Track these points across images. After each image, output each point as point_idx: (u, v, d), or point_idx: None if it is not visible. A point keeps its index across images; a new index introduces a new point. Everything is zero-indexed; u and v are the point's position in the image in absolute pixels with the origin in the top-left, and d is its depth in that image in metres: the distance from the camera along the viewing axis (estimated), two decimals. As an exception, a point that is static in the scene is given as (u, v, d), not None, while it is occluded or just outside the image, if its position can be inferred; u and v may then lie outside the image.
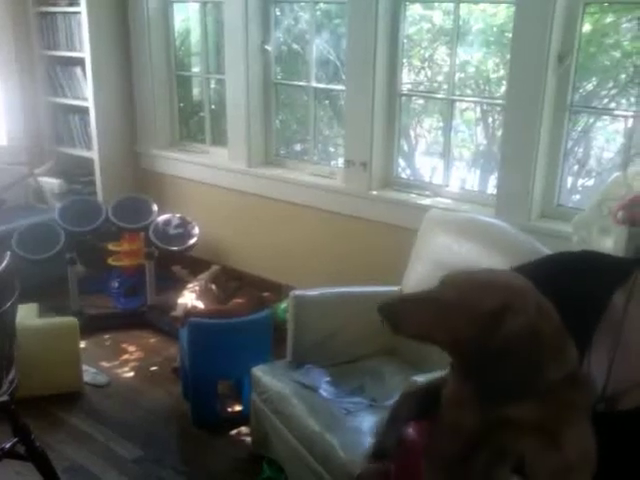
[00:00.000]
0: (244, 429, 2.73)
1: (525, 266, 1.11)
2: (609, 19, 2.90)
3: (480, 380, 0.91)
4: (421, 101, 3.78)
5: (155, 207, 3.71)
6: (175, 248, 3.64)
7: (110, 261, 3.77)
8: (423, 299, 0.95)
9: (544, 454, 0.89)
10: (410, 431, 1.38)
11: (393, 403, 1.14)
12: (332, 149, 4.00)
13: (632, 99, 2.78)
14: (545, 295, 0.94)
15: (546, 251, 2.20)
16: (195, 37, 4.15)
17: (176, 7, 4.05)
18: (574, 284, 1.04)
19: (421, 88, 3.73)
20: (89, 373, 3.12)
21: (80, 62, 4.00)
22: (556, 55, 2.57)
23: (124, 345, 3.48)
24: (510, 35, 2.69)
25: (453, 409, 0.98)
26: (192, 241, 3.67)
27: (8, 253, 2.00)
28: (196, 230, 3.71)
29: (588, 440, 0.91)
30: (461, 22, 3.06)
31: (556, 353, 0.91)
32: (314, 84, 3.52)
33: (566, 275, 1.07)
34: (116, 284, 3.85)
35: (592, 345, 1.02)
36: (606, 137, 3.41)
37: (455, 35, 2.97)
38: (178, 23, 4.14)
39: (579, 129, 3.28)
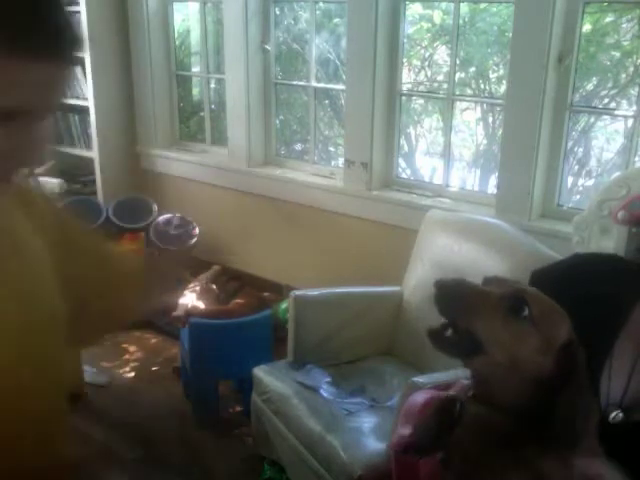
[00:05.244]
0: (245, 429, 2.73)
1: (547, 269, 1.09)
2: (609, 19, 2.91)
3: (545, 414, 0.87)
4: (421, 101, 3.78)
5: (155, 207, 3.71)
6: (175, 248, 3.64)
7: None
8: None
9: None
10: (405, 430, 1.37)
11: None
12: (332, 149, 4.00)
13: (632, 99, 2.78)
14: (568, 298, 0.91)
15: (547, 251, 2.20)
16: (195, 37, 4.15)
17: (176, 7, 4.04)
18: (597, 288, 1.02)
19: (421, 88, 3.73)
20: (89, 373, 3.12)
21: (80, 62, 3.99)
22: (556, 55, 2.57)
23: (125, 345, 3.47)
24: (510, 34, 2.69)
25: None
26: (193, 241, 3.67)
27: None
28: (196, 230, 3.71)
29: None
30: (461, 21, 3.05)
31: None
32: (314, 84, 3.51)
33: (590, 279, 1.04)
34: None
35: (614, 352, 1.00)
36: (606, 137, 3.41)
37: (455, 34, 2.96)
38: (178, 23, 4.14)
39: (579, 129, 3.29)
